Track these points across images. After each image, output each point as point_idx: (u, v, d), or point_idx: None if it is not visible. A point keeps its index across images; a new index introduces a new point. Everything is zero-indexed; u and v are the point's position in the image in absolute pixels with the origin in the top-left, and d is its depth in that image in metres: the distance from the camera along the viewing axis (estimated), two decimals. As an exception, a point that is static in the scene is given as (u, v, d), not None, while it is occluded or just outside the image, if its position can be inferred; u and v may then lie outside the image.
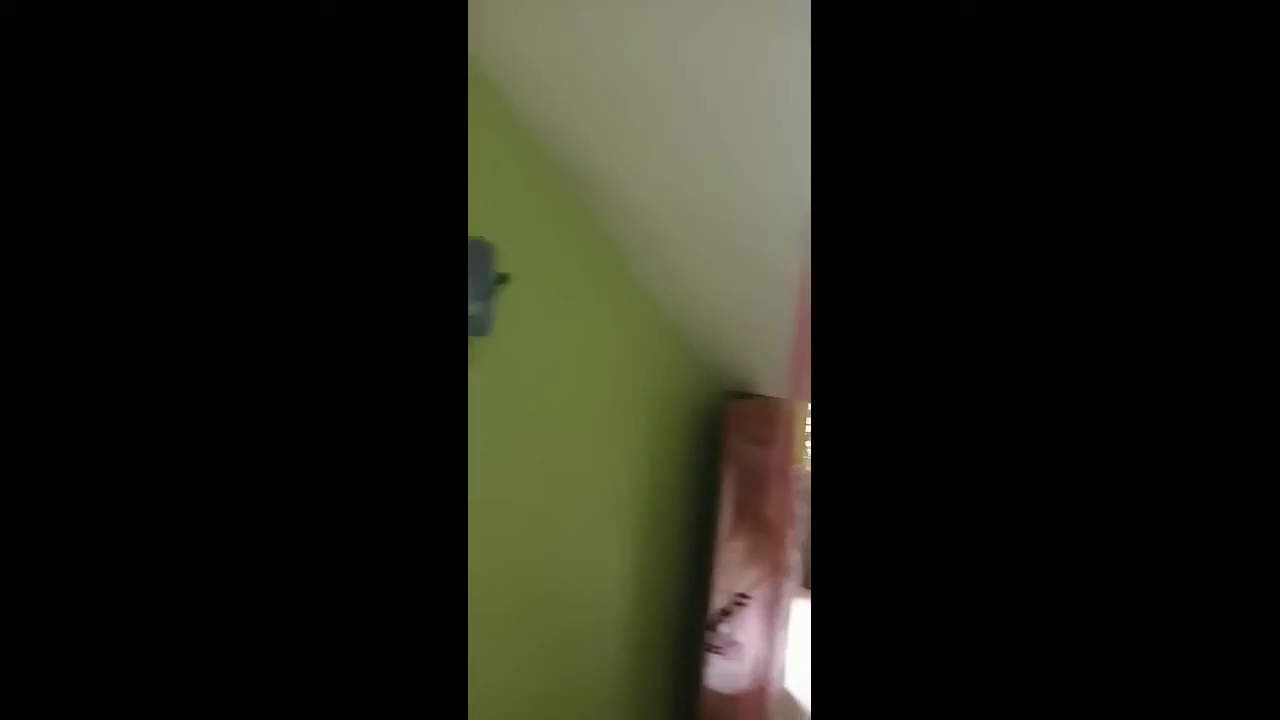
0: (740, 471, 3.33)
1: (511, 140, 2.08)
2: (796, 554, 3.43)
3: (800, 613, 3.73)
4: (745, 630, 3.24)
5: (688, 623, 3.45)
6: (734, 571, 3.30)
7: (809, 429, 3.37)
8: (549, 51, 1.82)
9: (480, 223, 2.02)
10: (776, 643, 3.23)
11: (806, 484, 3.41)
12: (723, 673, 3.26)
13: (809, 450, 3.34)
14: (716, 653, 3.30)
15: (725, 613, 3.30)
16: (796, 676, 3.84)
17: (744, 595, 3.28)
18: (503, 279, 2.03)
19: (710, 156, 2.02)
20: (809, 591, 3.47)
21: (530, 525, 2.31)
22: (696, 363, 3.40)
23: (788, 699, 3.72)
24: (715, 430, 3.59)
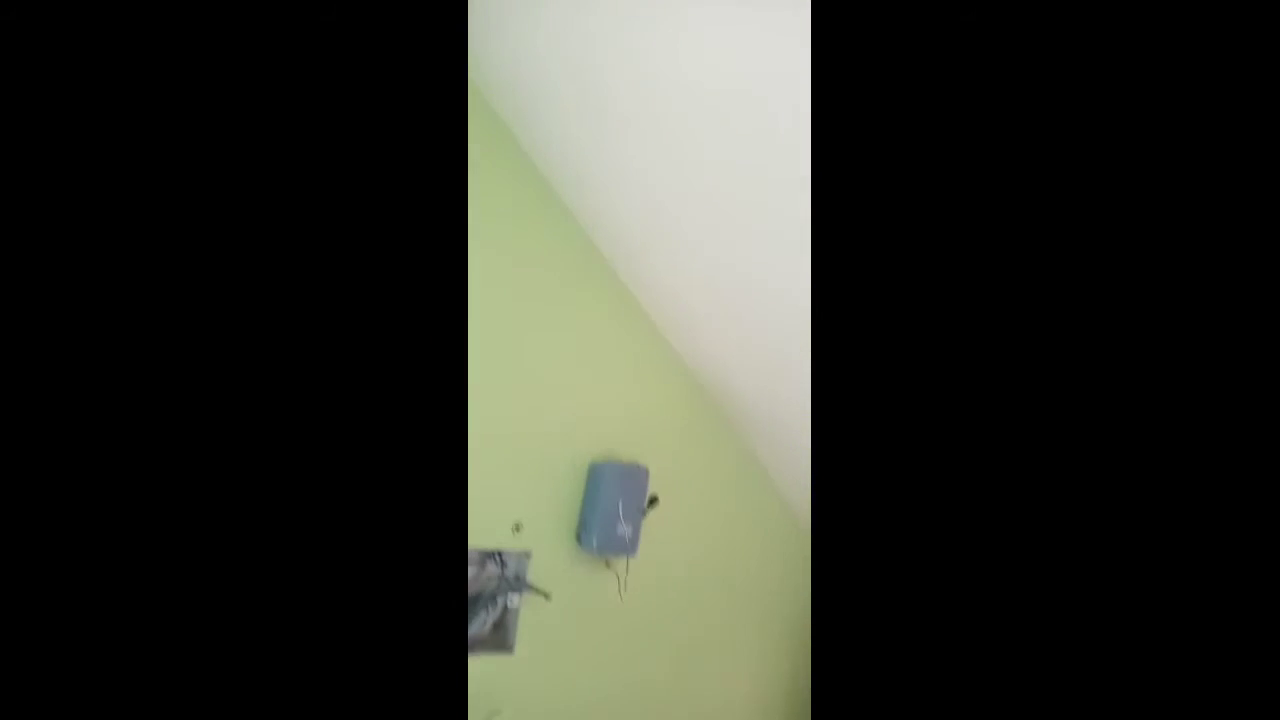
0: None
1: (673, 374, 2.36)
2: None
3: None
4: None
5: None
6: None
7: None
8: (710, 305, 2.11)
9: (638, 448, 2.26)
10: None
11: None
12: None
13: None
14: None
15: None
16: None
17: None
18: (653, 501, 2.21)
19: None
20: None
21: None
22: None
23: None
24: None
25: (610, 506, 2.07)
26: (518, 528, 1.98)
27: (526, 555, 2.01)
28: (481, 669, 1.91)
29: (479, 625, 1.99)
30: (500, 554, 1.98)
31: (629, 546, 2.11)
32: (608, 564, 2.17)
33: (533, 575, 2.01)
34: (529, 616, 2.00)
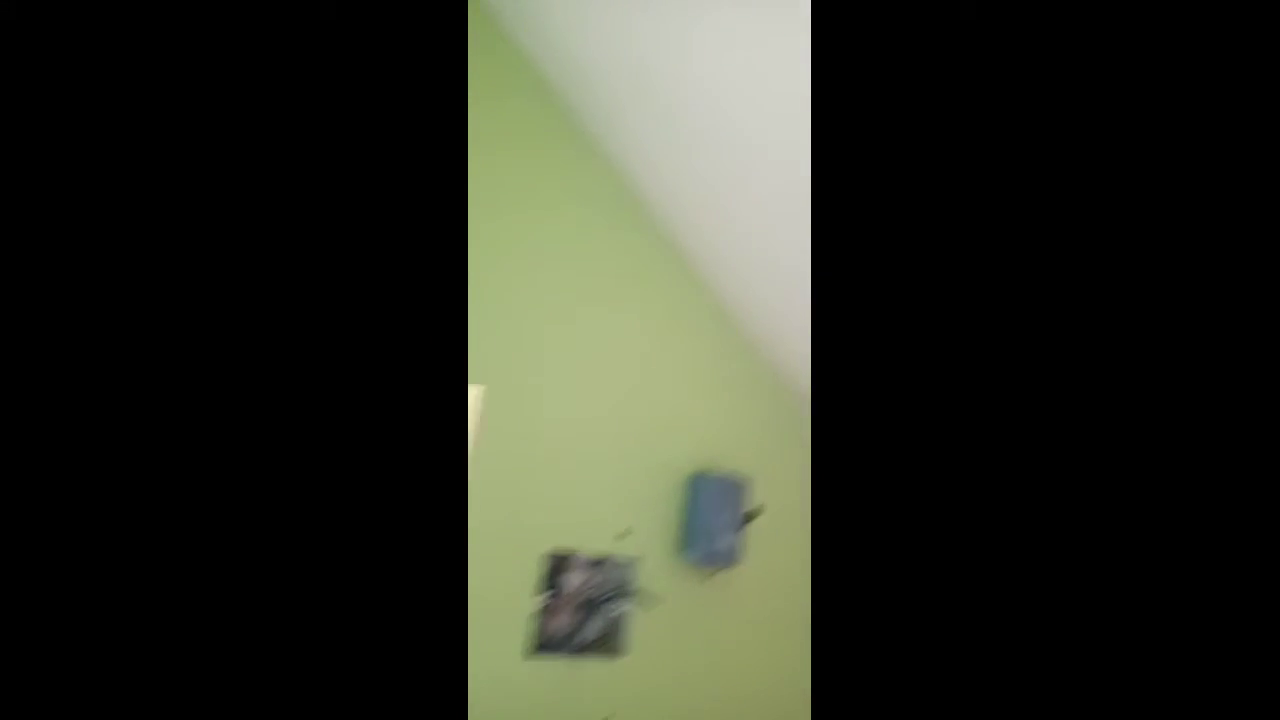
0: None
1: (770, 387, 2.41)
2: None
3: None
4: None
5: None
6: None
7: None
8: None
9: (740, 459, 2.31)
10: None
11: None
12: None
13: None
14: None
15: None
16: None
17: None
18: (754, 514, 2.25)
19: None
20: None
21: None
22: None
23: None
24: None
25: (710, 518, 2.12)
26: (625, 534, 2.06)
27: (634, 561, 2.09)
28: (593, 674, 1.98)
29: (590, 630, 2.07)
30: (609, 560, 2.07)
31: (730, 557, 2.14)
32: (711, 574, 2.20)
33: (639, 583, 2.08)
34: (636, 622, 2.06)
